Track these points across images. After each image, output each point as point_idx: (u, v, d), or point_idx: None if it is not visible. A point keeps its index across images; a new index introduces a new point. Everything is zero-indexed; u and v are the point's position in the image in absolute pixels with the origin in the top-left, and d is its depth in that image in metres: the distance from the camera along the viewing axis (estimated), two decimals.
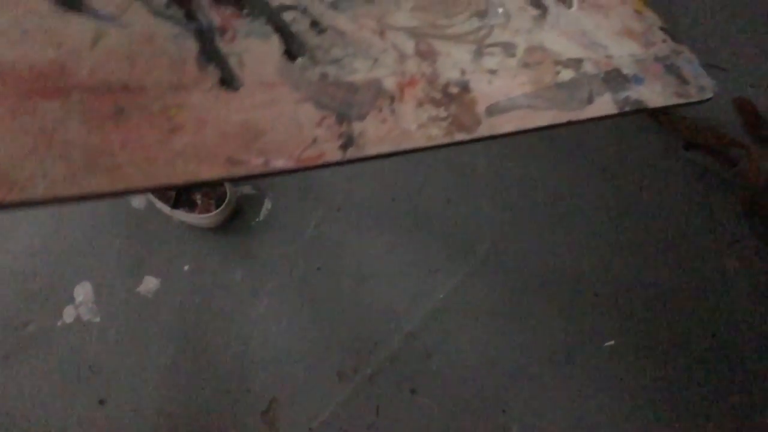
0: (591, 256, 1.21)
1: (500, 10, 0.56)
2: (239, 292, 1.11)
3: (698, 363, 1.11)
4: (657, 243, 1.24)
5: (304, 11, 0.48)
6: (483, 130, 0.47)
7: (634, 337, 1.13)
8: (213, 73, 0.42)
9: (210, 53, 0.43)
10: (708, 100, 0.57)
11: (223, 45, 0.44)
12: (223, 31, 0.45)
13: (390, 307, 1.11)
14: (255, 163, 0.39)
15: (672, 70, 0.57)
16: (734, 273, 1.21)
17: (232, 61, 0.43)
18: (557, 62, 0.54)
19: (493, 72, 0.51)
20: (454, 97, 0.48)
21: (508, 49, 0.53)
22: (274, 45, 0.46)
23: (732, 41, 1.51)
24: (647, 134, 1.38)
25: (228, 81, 0.42)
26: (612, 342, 1.13)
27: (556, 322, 1.13)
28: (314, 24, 0.48)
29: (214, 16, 0.45)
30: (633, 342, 1.13)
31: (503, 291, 1.15)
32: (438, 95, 0.48)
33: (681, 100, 0.55)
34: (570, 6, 0.59)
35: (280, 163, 0.39)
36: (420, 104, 0.47)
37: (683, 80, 0.56)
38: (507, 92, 0.50)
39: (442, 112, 0.47)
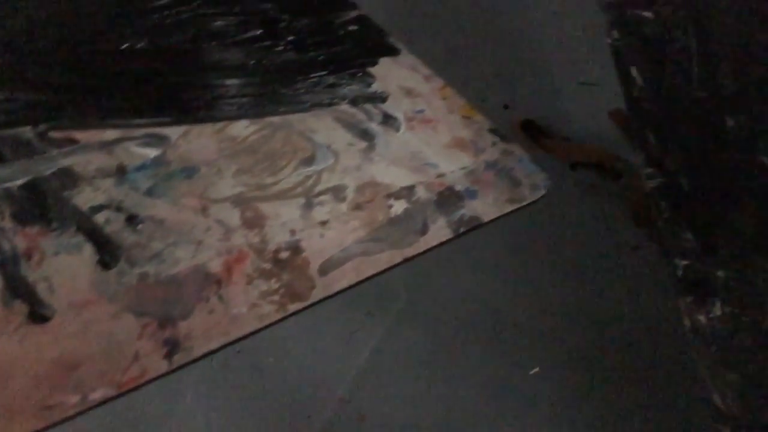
0: (504, 290, 1.23)
1: (328, 149, 0.57)
2: (163, 391, 1.08)
3: (619, 374, 1.14)
4: (563, 264, 1.27)
5: (119, 208, 0.48)
6: (317, 293, 0.47)
7: (557, 360, 1.15)
8: (20, 310, 0.41)
9: (15, 287, 0.42)
10: (542, 197, 0.58)
11: (30, 271, 0.43)
12: (29, 255, 0.43)
13: (317, 376, 1.10)
14: (71, 403, 0.38)
15: (503, 174, 0.58)
16: (639, 278, 1.25)
17: (42, 288, 0.42)
18: (389, 195, 0.54)
19: (324, 223, 0.51)
20: (286, 263, 0.48)
21: (339, 193, 0.54)
22: (87, 256, 0.45)
23: (600, 56, 1.57)
24: (536, 157, 1.42)
25: (37, 314, 0.41)
26: (537, 369, 1.15)
27: (482, 358, 1.14)
28: (130, 219, 0.47)
29: (19, 240, 0.44)
30: (557, 365, 1.15)
31: (426, 339, 1.16)
32: (268, 265, 0.48)
33: (515, 206, 0.56)
34: (398, 129, 0.60)
35: (98, 395, 0.38)
36: (250, 281, 0.46)
37: (515, 182, 0.58)
38: (340, 242, 0.50)
39: (273, 284, 0.47)
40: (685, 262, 0.54)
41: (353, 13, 0.71)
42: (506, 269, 1.26)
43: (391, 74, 0.66)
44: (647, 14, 0.58)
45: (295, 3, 0.70)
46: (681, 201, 0.55)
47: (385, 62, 0.67)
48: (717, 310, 0.52)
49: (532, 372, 1.14)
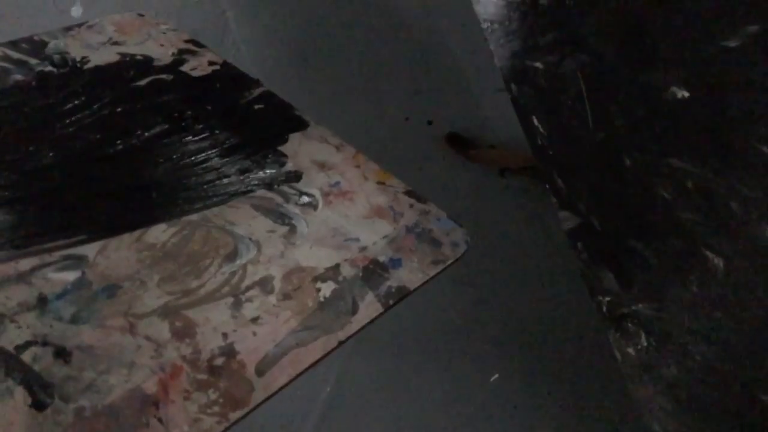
0: (454, 302, 1.26)
1: (250, 241, 0.57)
2: None
3: (577, 370, 1.18)
4: (506, 269, 1.31)
5: (45, 342, 0.47)
6: (258, 396, 0.48)
7: (514, 365, 1.19)
8: None
9: None
10: (464, 254, 0.60)
11: None
12: None
13: (284, 416, 1.11)
14: None
15: (424, 237, 0.60)
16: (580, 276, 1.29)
17: None
18: (316, 278, 0.55)
19: (255, 320, 0.52)
20: (221, 369, 0.49)
21: (266, 284, 0.54)
22: (19, 400, 0.44)
23: None
24: (463, 170, 1.45)
25: None
26: (496, 375, 1.18)
27: (440, 371, 1.16)
28: (59, 353, 0.47)
29: None
30: (516, 369, 1.18)
31: (385, 362, 1.18)
32: (204, 376, 0.48)
33: (440, 268, 0.58)
34: (316, 207, 0.61)
35: None
36: (188, 395, 0.47)
37: (436, 243, 0.60)
38: (274, 337, 0.51)
39: (212, 395, 0.47)
40: (607, 299, 0.57)
41: (257, 91, 0.72)
42: (453, 281, 1.28)
43: (303, 149, 0.67)
44: (537, 65, 0.60)
45: (197, 89, 0.71)
46: (595, 241, 0.58)
47: (295, 138, 0.68)
48: (643, 342, 0.55)
49: (492, 379, 1.17)
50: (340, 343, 0.52)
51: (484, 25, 0.63)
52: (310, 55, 1.53)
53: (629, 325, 0.55)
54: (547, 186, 0.60)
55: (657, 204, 0.55)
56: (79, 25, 0.74)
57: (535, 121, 0.61)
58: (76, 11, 1.59)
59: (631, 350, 0.55)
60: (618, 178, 0.56)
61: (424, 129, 1.47)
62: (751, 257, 0.49)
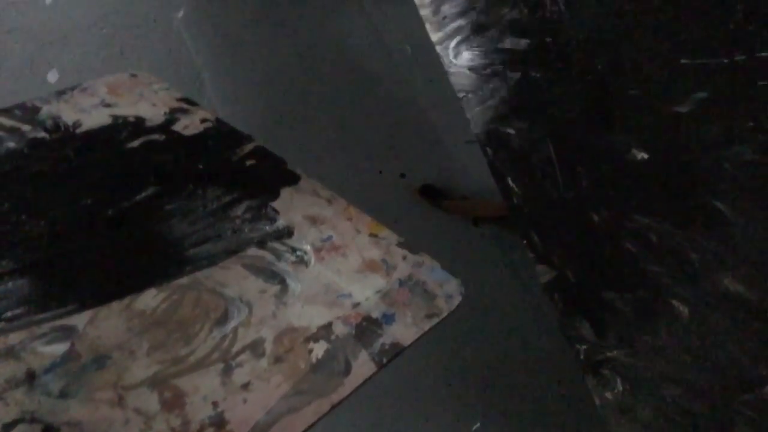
0: (433, 350, 1.27)
1: (241, 302, 0.57)
2: None
3: (557, 415, 1.20)
4: (483, 317, 1.33)
5: (33, 419, 0.46)
6: None
7: (495, 412, 1.20)
8: None
9: None
10: (459, 305, 0.61)
11: None
12: None
13: None
14: None
15: (418, 290, 0.60)
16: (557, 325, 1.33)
17: None
18: (308, 338, 0.54)
19: (246, 386, 0.50)
20: None
21: (257, 348, 0.53)
22: None
23: None
24: (436, 220, 1.49)
25: None
26: (478, 424, 1.19)
27: (422, 420, 1.17)
28: (47, 430, 0.46)
29: None
30: (495, 416, 1.20)
31: (366, 412, 1.18)
32: None
33: (434, 322, 0.57)
34: (308, 263, 0.61)
35: None
36: None
37: (430, 296, 0.59)
38: (265, 404, 0.49)
39: None
40: (584, 347, 0.60)
41: (249, 146, 0.72)
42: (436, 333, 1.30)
43: (295, 204, 0.67)
44: (510, 131, 0.65)
45: (190, 148, 0.70)
46: (570, 292, 0.62)
47: (286, 192, 0.68)
48: (619, 386, 0.58)
49: (474, 428, 1.18)
50: (333, 406, 0.51)
51: (460, 95, 0.68)
52: (284, 112, 1.57)
53: (605, 371, 0.58)
54: (524, 241, 0.64)
55: (625, 257, 0.59)
56: (72, 89, 0.75)
57: (510, 182, 0.65)
58: (53, 76, 1.61)
59: (608, 395, 0.58)
60: (588, 234, 0.60)
61: (398, 181, 1.52)
62: (712, 304, 0.53)
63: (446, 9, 0.68)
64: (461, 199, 1.47)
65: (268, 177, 0.69)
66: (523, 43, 0.60)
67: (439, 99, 1.64)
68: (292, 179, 0.70)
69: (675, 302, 0.55)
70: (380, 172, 1.54)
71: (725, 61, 0.53)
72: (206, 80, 1.63)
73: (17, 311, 0.53)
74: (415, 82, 1.63)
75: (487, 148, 0.63)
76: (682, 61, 0.54)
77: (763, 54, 0.51)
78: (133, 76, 0.79)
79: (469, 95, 0.64)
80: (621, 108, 0.56)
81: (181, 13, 1.68)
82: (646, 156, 0.56)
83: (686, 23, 0.54)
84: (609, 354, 0.58)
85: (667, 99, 0.55)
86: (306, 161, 1.55)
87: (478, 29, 0.63)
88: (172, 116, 0.74)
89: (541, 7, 0.59)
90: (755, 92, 0.52)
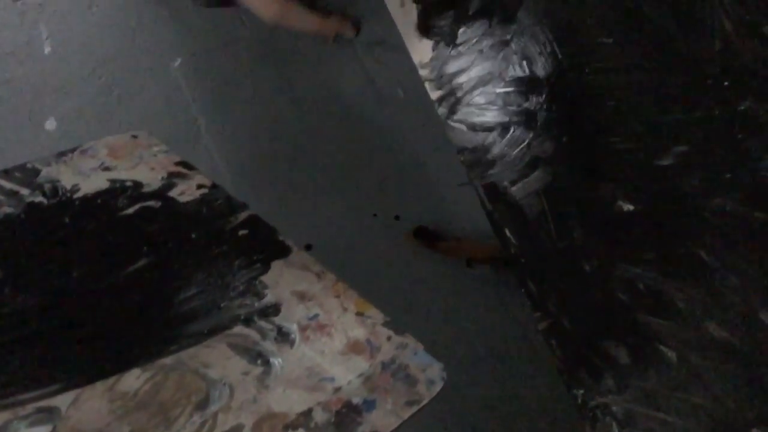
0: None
1: (223, 385, 0.56)
2: None
3: None
4: (477, 357, 1.34)
5: None
6: None
7: None
8: None
9: None
10: (439, 391, 0.58)
11: None
12: None
13: None
14: None
15: (400, 374, 0.59)
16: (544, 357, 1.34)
17: None
18: (287, 426, 0.53)
19: None
20: None
21: None
22: None
23: None
24: (430, 262, 1.51)
25: None
26: None
27: None
28: None
29: None
30: None
31: None
32: None
33: (414, 410, 0.57)
34: (293, 344, 0.60)
35: None
36: None
37: (412, 381, 0.59)
38: None
39: None
40: (581, 392, 0.62)
41: (243, 215, 0.72)
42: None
43: (284, 278, 0.66)
44: (506, 185, 0.68)
45: (184, 216, 0.70)
46: (566, 338, 0.64)
47: (277, 266, 0.67)
48: (615, 430, 0.59)
49: None
50: None
51: (458, 151, 0.71)
52: (279, 158, 1.60)
53: (602, 415, 0.60)
54: (522, 290, 0.66)
55: (616, 305, 0.61)
56: (73, 150, 0.75)
57: (508, 233, 0.67)
58: (51, 125, 1.64)
59: None
60: (580, 282, 0.63)
61: (392, 224, 1.54)
62: (698, 349, 0.55)
63: (446, 69, 0.72)
64: (455, 240, 1.49)
65: (259, 249, 0.68)
66: (518, 102, 0.63)
67: (432, 142, 1.67)
68: (284, 252, 0.69)
69: (663, 348, 0.57)
70: (375, 214, 1.56)
71: (704, 115, 0.56)
72: (202, 127, 1.66)
73: (2, 391, 0.52)
74: (407, 125, 1.66)
75: (486, 201, 0.66)
76: (662, 116, 0.57)
77: (740, 108, 0.54)
78: (134, 137, 0.79)
79: (467, 152, 0.67)
80: (607, 162, 0.59)
81: (177, 62, 1.72)
82: (632, 207, 0.59)
83: (666, 80, 0.57)
84: (605, 399, 0.60)
85: (649, 153, 0.58)
86: (301, 205, 1.58)
87: (474, 88, 0.67)
88: (170, 181, 0.74)
89: (533, 67, 0.63)
90: (733, 145, 0.55)
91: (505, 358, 1.37)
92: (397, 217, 1.56)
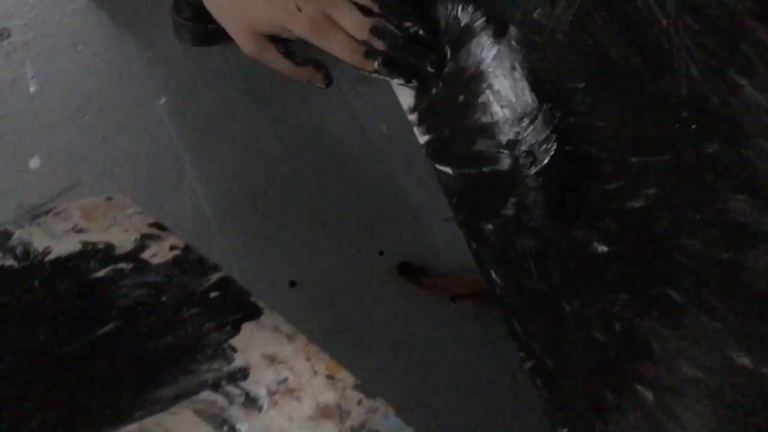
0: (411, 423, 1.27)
1: None
2: None
3: None
4: (461, 395, 1.35)
5: None
6: None
7: None
8: None
9: None
10: None
11: None
12: None
13: None
14: None
15: None
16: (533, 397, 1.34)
17: None
18: None
19: None
20: None
21: None
22: None
23: None
24: (415, 298, 1.51)
25: None
26: None
27: None
28: None
29: None
30: None
31: None
32: None
33: None
34: (261, 409, 0.59)
35: None
36: None
37: None
38: None
39: None
40: (565, 430, 0.63)
41: (215, 277, 0.71)
42: (410, 410, 1.31)
43: (254, 341, 0.65)
44: (490, 226, 0.69)
45: (156, 278, 0.70)
46: (551, 379, 0.65)
47: (247, 328, 0.67)
48: None
49: None
50: None
51: (446, 194, 0.73)
52: (263, 194, 1.61)
53: None
54: (508, 330, 0.67)
55: (594, 345, 0.62)
56: (47, 212, 0.74)
57: (493, 275, 0.69)
58: (35, 163, 1.64)
59: None
60: (561, 324, 0.64)
61: (376, 260, 1.55)
62: (672, 390, 0.56)
63: (432, 113, 0.74)
64: (439, 276, 1.50)
65: (230, 311, 0.67)
66: (498, 146, 0.65)
67: (416, 178, 1.69)
68: (255, 313, 0.68)
69: (641, 388, 0.58)
70: (359, 250, 1.57)
71: (673, 158, 0.58)
72: (187, 164, 1.67)
73: None
74: (391, 161, 1.68)
75: (471, 242, 0.68)
76: (632, 159, 0.59)
77: (708, 150, 0.56)
78: (109, 199, 0.79)
79: (454, 197, 0.69)
80: (582, 204, 0.61)
81: (162, 100, 1.73)
82: (606, 249, 0.60)
83: (635, 123, 0.59)
84: None
85: (621, 195, 0.60)
86: (285, 242, 1.58)
87: (457, 132, 0.69)
88: (142, 243, 0.73)
89: (511, 113, 0.64)
90: (701, 187, 0.56)
91: (490, 393, 1.37)
92: (381, 253, 1.57)
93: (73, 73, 1.77)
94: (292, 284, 1.57)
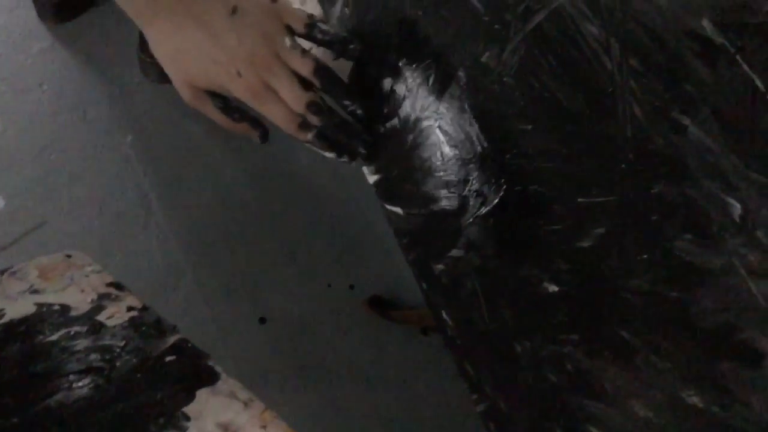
0: None
1: None
2: None
3: None
4: (434, 429, 1.34)
5: None
6: None
7: None
8: None
9: None
10: None
11: None
12: None
13: None
14: None
15: None
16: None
17: None
18: None
19: None
20: None
21: None
22: None
23: None
24: (386, 331, 1.51)
25: None
26: None
27: None
28: None
29: None
30: None
31: None
32: None
33: None
34: None
35: None
36: None
37: None
38: None
39: None
40: None
41: (172, 339, 0.70)
42: None
43: (209, 408, 0.64)
44: (440, 266, 0.69)
45: (111, 340, 0.68)
46: (503, 422, 0.64)
47: (203, 394, 0.66)
48: None
49: None
50: None
51: (396, 234, 0.73)
52: (232, 231, 1.60)
53: None
54: (460, 372, 0.67)
55: (546, 386, 0.62)
56: (3, 272, 0.73)
57: (444, 315, 0.68)
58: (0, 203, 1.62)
59: None
60: (513, 364, 0.64)
61: (347, 294, 1.54)
62: (625, 430, 0.56)
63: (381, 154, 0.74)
64: (409, 309, 1.50)
65: (186, 376, 0.66)
66: (448, 187, 0.65)
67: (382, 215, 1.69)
68: (211, 379, 0.67)
69: (593, 429, 0.58)
70: (329, 285, 1.56)
71: (620, 198, 0.58)
72: (153, 202, 1.66)
73: None
74: (360, 196, 1.69)
75: (422, 283, 0.67)
76: (580, 199, 0.60)
77: (653, 191, 0.56)
78: (68, 257, 0.78)
79: (404, 236, 0.69)
80: (532, 244, 0.61)
81: (129, 138, 1.73)
82: (556, 289, 0.60)
83: (583, 164, 0.60)
84: None
85: (570, 235, 0.60)
86: (254, 278, 1.57)
87: (408, 172, 0.69)
88: (99, 303, 0.73)
89: (461, 155, 0.65)
90: (648, 227, 0.57)
91: (463, 426, 1.36)
92: (351, 287, 1.57)
93: (38, 113, 1.76)
94: (262, 321, 1.56)
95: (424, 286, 0.71)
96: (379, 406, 1.46)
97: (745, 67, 0.55)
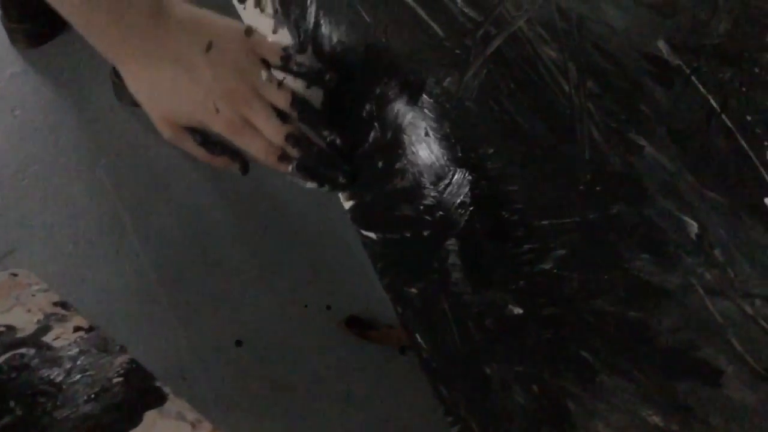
0: None
1: None
2: None
3: None
4: None
5: None
6: None
7: None
8: None
9: None
10: None
11: None
12: None
13: None
14: None
15: None
16: None
17: None
18: None
19: None
20: None
21: None
22: None
23: None
24: (363, 351, 1.51)
25: None
26: None
27: None
28: None
29: None
30: None
31: None
32: None
33: None
34: None
35: None
36: None
37: None
38: None
39: None
40: None
41: (119, 360, 0.70)
42: None
43: (155, 431, 0.64)
44: (413, 290, 0.70)
45: (58, 362, 0.68)
46: None
47: (149, 417, 0.66)
48: None
49: None
50: None
51: (370, 258, 0.73)
52: (206, 252, 1.59)
53: None
54: (434, 394, 0.67)
55: (515, 408, 0.63)
56: None
57: (419, 338, 0.69)
58: None
59: None
60: (483, 386, 0.64)
61: (324, 314, 1.54)
62: None
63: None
64: (387, 328, 1.50)
65: (133, 398, 0.66)
66: (416, 213, 0.66)
67: None
68: (159, 400, 0.67)
69: None
70: (306, 305, 1.56)
71: (579, 220, 0.59)
72: (128, 224, 1.65)
73: None
74: (337, 216, 1.69)
75: (397, 307, 0.68)
76: (542, 222, 0.61)
77: (612, 212, 0.57)
78: (14, 275, 0.77)
79: (378, 261, 0.70)
80: (497, 267, 0.62)
81: (102, 161, 1.72)
82: (520, 311, 0.61)
83: (543, 186, 0.61)
84: None
85: (532, 257, 0.61)
86: (230, 300, 1.56)
87: (380, 198, 0.70)
88: (46, 324, 0.72)
89: (427, 180, 0.66)
90: (607, 247, 0.58)
91: None
92: (328, 307, 1.57)
93: (10, 138, 1.74)
94: (238, 343, 1.55)
95: (399, 309, 0.71)
96: (358, 425, 1.46)
97: (701, 87, 0.57)
